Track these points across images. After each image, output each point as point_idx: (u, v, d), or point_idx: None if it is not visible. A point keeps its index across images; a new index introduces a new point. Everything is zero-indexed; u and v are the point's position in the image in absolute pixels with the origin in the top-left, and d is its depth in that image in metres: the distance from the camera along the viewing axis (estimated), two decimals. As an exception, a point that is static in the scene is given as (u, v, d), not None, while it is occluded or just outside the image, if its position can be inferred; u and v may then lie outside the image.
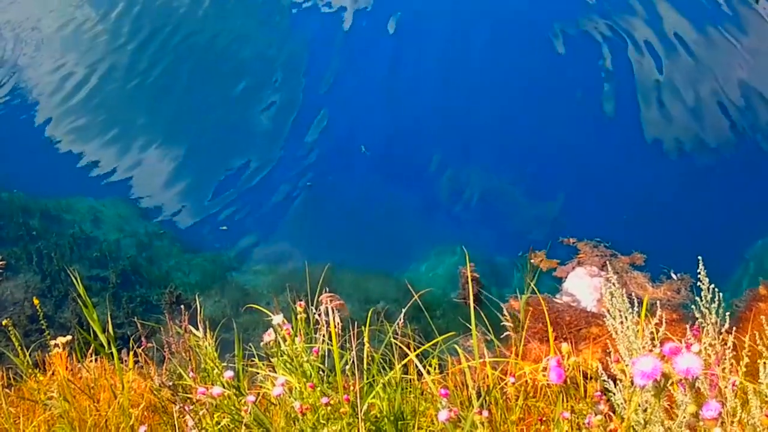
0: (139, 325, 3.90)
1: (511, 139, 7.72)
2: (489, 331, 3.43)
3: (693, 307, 1.94)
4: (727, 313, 1.93)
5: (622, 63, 8.19)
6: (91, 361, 3.52)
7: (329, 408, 2.18)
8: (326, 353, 2.58)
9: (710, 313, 1.89)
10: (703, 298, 1.90)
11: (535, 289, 5.13)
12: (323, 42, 9.27)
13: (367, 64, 8.87)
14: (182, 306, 3.75)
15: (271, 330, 2.38)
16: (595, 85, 8.02)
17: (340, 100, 8.41)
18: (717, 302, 1.87)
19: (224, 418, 2.33)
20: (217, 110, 8.54)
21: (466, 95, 8.22)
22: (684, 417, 1.45)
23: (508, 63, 8.54)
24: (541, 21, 8.99)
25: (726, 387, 1.78)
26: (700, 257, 1.93)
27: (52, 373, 3.36)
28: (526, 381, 2.72)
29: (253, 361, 2.96)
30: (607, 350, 5.07)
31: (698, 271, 1.89)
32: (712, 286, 1.86)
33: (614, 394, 1.90)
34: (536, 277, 5.98)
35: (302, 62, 9.00)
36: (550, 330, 2.81)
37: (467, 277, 5.13)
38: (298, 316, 2.51)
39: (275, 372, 2.46)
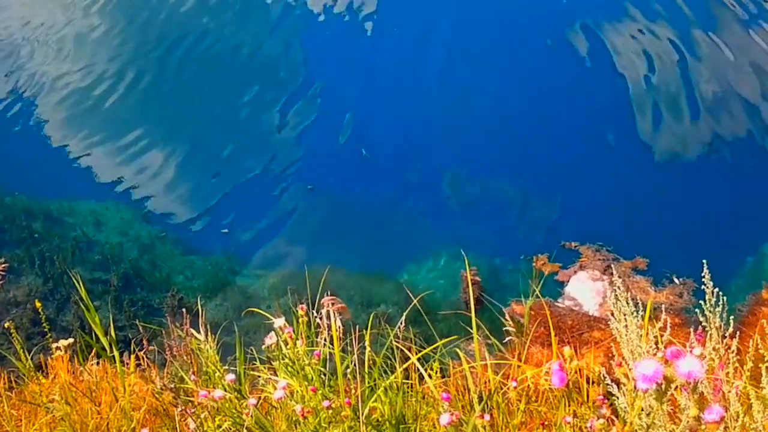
0: (140, 329, 3.89)
1: (512, 142, 7.72)
2: (490, 335, 3.42)
3: (697, 311, 1.93)
4: (731, 318, 1.92)
5: (626, 66, 8.19)
6: (92, 364, 3.51)
7: (331, 411, 2.18)
8: (327, 356, 2.58)
9: (714, 317, 1.88)
10: (707, 302, 1.89)
11: (538, 293, 5.12)
12: (325, 47, 9.29)
13: (369, 67, 8.89)
14: (184, 309, 3.74)
15: (272, 333, 2.37)
16: (598, 88, 8.02)
17: (341, 103, 8.42)
18: (721, 306, 1.87)
19: (226, 421, 2.33)
20: (218, 115, 8.55)
21: (468, 97, 8.22)
22: (686, 421, 1.44)
23: (509, 65, 8.54)
24: (540, 23, 8.99)
25: (729, 391, 1.77)
26: (705, 261, 1.92)
27: (54, 376, 3.37)
28: (528, 385, 2.71)
29: (255, 364, 2.96)
30: (610, 354, 5.04)
31: (702, 274, 1.88)
32: (717, 289, 1.85)
33: (617, 398, 1.89)
34: (541, 282, 5.96)
35: (303, 67, 9.02)
36: (553, 334, 2.80)
37: (468, 280, 5.13)
38: (300, 320, 2.50)
39: (276, 375, 2.46)
